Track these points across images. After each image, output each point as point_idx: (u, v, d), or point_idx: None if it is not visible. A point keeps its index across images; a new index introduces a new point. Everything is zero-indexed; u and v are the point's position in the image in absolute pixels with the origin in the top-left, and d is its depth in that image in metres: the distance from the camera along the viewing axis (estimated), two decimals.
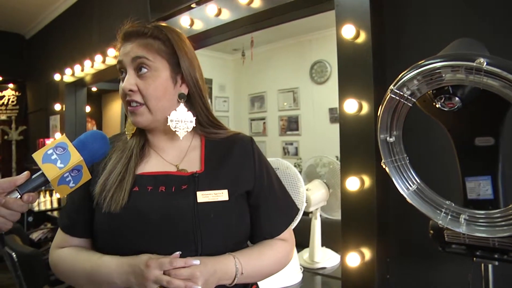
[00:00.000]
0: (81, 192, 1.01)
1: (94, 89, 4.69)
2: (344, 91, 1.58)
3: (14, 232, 2.79)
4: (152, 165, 1.04)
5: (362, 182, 1.51)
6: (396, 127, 1.12)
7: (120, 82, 1.02)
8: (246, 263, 0.97)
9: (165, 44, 1.01)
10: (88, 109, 4.37)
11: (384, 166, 1.15)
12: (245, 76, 6.12)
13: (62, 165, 0.76)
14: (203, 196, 0.95)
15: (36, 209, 4.26)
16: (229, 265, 0.95)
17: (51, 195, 4.34)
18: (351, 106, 1.53)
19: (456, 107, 1.00)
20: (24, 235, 3.27)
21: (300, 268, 1.75)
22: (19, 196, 0.75)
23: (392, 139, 1.14)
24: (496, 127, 1.00)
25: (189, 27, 2.26)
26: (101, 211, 0.96)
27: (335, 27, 1.60)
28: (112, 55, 3.17)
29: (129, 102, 0.99)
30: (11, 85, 6.00)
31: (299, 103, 5.36)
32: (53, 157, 0.77)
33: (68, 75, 3.92)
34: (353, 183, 1.51)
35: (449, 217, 1.06)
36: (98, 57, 3.35)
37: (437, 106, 1.03)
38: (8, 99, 5.99)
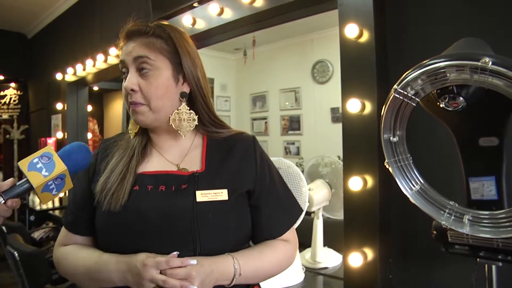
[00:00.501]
0: (84, 190, 1.04)
1: (95, 88, 4.69)
2: (347, 90, 1.57)
3: (16, 231, 2.80)
4: (154, 164, 1.04)
5: (365, 182, 1.51)
6: (399, 127, 1.11)
7: (122, 81, 1.02)
8: (245, 264, 0.96)
9: (167, 43, 1.01)
10: (89, 108, 4.37)
11: (387, 166, 1.14)
12: (247, 75, 6.11)
13: (47, 173, 0.81)
14: (202, 196, 0.95)
15: (38, 208, 4.26)
16: (227, 265, 0.93)
17: None
18: (354, 105, 1.52)
19: (460, 107, 1.00)
20: (26, 234, 3.27)
21: (302, 268, 1.74)
22: (3, 201, 0.78)
23: (395, 139, 1.13)
24: (501, 127, 0.99)
25: (191, 26, 2.26)
26: (102, 210, 0.97)
27: (337, 27, 1.60)
28: (114, 54, 3.16)
29: (131, 101, 0.99)
30: (13, 84, 6.01)
31: (301, 103, 5.35)
32: (38, 166, 0.81)
33: (69, 74, 3.92)
34: (355, 183, 1.51)
35: (453, 217, 1.05)
36: (100, 56, 3.34)
37: (441, 106, 1.03)
38: (10, 98, 5.99)
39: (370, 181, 1.50)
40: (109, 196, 0.96)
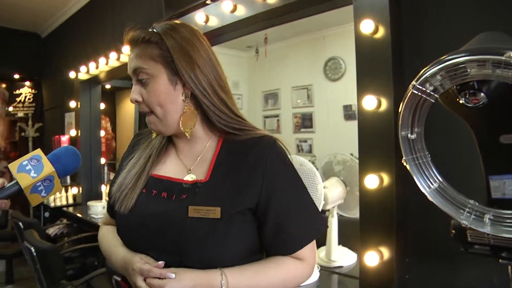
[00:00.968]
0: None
1: (108, 86, 4.71)
2: (362, 87, 1.55)
3: (32, 227, 2.83)
4: (167, 166, 1.05)
5: (381, 180, 1.48)
6: (417, 124, 1.09)
7: None
8: (235, 280, 0.91)
9: (158, 46, 0.97)
10: (102, 106, 4.40)
11: (405, 164, 1.12)
12: (259, 73, 6.10)
13: (35, 175, 0.84)
14: (194, 211, 0.93)
15: (52, 204, 4.31)
16: (213, 281, 0.89)
17: (66, 191, 4.38)
18: (370, 102, 1.50)
19: (481, 103, 0.97)
20: (41, 230, 3.31)
21: (317, 267, 1.73)
22: None
23: (413, 136, 1.11)
24: None
25: (204, 23, 2.25)
26: (115, 208, 1.03)
27: (349, 23, 1.58)
28: (126, 52, 3.17)
29: (140, 111, 1.01)
30: (27, 83, 6.08)
31: (313, 100, 5.32)
32: (27, 168, 0.84)
33: (82, 73, 3.95)
34: (372, 181, 1.49)
35: (473, 216, 1.02)
36: (113, 55, 3.36)
37: (460, 102, 1.00)
38: (25, 97, 6.07)
39: (386, 179, 1.48)
40: (121, 198, 1.01)
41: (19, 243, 2.78)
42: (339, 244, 1.88)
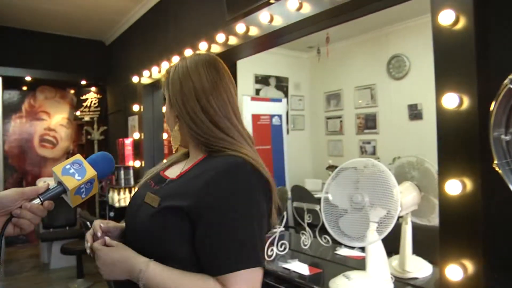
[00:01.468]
0: None
1: None
2: (441, 84, 1.42)
3: None
4: (172, 169, 1.22)
5: (464, 185, 1.35)
6: None
7: None
8: (153, 276, 0.96)
9: (166, 77, 1.18)
10: (164, 109, 4.47)
11: (497, 168, 1.00)
12: (320, 73, 6.03)
13: (79, 177, 0.92)
14: (147, 197, 1.08)
15: (117, 205, 4.44)
16: (134, 266, 0.97)
17: (130, 192, 4.51)
18: (450, 100, 1.37)
19: None
20: None
21: (391, 278, 1.61)
22: (41, 202, 0.91)
23: (508, 138, 0.99)
24: None
25: (268, 23, 2.20)
26: None
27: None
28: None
29: None
30: (93, 88, 6.38)
31: (377, 100, 5.17)
32: (71, 171, 0.93)
33: (145, 77, 4.03)
34: (453, 187, 1.36)
35: None
36: (175, 58, 3.39)
37: None
38: (91, 102, 6.36)
39: (469, 184, 1.34)
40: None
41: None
42: (412, 253, 1.76)
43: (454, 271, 1.34)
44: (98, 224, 1.09)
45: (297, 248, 2.28)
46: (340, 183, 1.66)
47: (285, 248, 2.19)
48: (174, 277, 0.96)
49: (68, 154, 7.11)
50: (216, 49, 2.81)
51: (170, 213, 1.00)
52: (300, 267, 1.93)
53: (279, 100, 5.33)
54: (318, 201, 1.78)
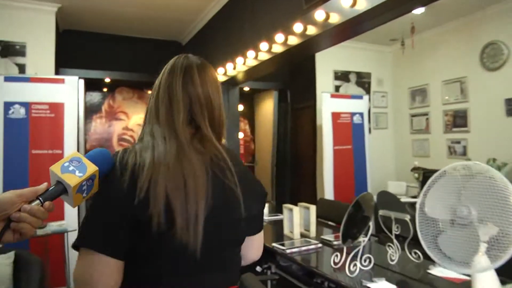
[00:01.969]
0: None
1: (246, 88, 4.77)
2: None
3: None
4: None
5: None
6: None
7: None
8: None
9: None
10: (241, 108, 4.43)
11: None
12: (404, 68, 5.69)
13: (81, 174, 0.88)
14: None
15: None
16: None
17: None
18: None
19: None
20: None
21: None
22: (41, 204, 0.85)
23: None
24: None
25: (350, 7, 2.03)
26: None
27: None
28: (264, 50, 3.09)
29: None
30: None
31: (468, 95, 4.73)
32: (70, 168, 0.89)
33: (220, 74, 4.01)
34: None
35: None
36: (251, 53, 3.33)
37: None
38: None
39: None
40: None
41: None
42: None
43: None
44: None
45: (382, 263, 2.03)
46: (438, 192, 1.44)
47: (369, 263, 1.96)
48: None
49: None
50: (293, 40, 2.68)
51: None
52: None
53: (360, 97, 5.06)
54: (405, 206, 1.55)
